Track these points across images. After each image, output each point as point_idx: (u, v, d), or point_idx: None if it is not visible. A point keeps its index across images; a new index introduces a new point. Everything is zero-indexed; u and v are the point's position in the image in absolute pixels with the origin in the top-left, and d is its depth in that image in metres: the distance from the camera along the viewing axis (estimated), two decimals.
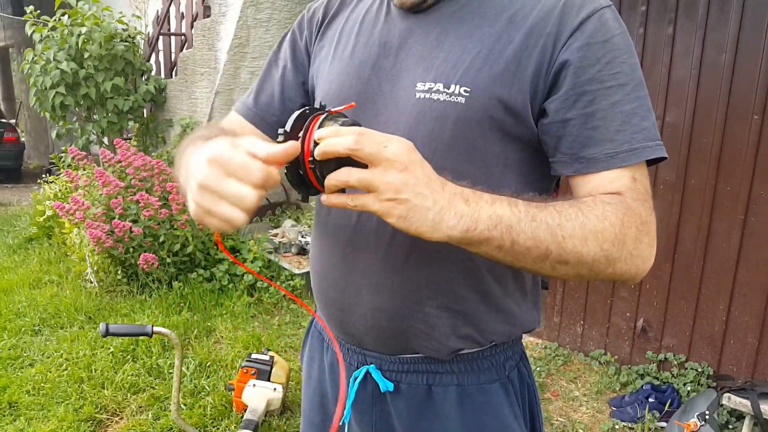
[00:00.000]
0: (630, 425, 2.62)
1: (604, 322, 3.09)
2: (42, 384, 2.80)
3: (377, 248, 0.86)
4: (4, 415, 2.58)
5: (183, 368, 2.89)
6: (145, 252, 3.69)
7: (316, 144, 0.64)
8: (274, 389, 2.44)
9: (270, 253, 4.37)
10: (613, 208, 0.73)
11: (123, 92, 5.01)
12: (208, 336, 3.36)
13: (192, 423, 2.51)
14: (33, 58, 4.98)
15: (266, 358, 2.55)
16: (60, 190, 4.84)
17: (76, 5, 4.94)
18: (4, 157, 9.69)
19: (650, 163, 0.79)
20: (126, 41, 5.08)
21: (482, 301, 0.87)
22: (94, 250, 3.75)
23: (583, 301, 3.16)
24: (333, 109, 0.70)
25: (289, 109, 0.88)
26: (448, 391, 0.91)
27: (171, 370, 2.88)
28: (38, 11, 5.07)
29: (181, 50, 5.41)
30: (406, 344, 0.90)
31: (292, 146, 0.64)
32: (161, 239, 3.79)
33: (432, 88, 0.80)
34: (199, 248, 3.94)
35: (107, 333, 1.91)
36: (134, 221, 3.76)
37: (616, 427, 2.62)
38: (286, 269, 4.14)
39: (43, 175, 5.81)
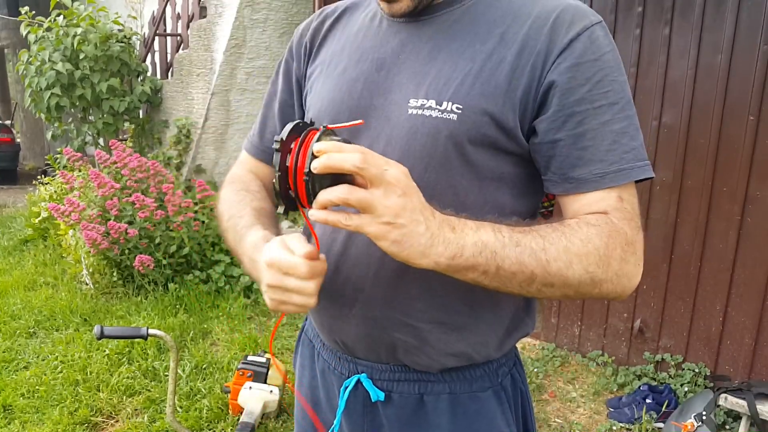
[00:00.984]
0: (627, 426, 2.61)
1: (602, 323, 3.09)
2: (37, 387, 2.78)
3: (370, 261, 0.85)
4: None
5: (179, 371, 2.88)
6: (140, 254, 3.68)
7: (314, 157, 0.64)
8: (271, 391, 2.43)
9: None
10: (597, 230, 0.74)
11: (119, 93, 5.00)
12: (204, 338, 3.35)
13: (188, 426, 2.50)
14: (28, 59, 4.96)
15: (263, 360, 2.54)
16: (55, 192, 4.82)
17: (72, 6, 4.92)
18: None
19: (638, 181, 0.79)
20: (122, 42, 5.06)
21: (475, 315, 0.87)
22: (90, 252, 3.74)
23: (581, 302, 3.16)
24: (330, 126, 0.70)
25: None
26: (440, 399, 0.90)
27: (167, 373, 2.86)
28: (33, 12, 5.05)
29: (177, 51, 5.39)
30: (396, 357, 0.89)
31: (322, 262, 0.74)
32: (157, 241, 3.78)
33: (424, 105, 0.79)
34: (195, 250, 3.93)
35: (102, 336, 1.90)
36: (130, 223, 3.75)
37: (614, 428, 2.61)
38: None
39: (39, 177, 5.78)
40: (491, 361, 0.91)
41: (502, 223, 0.72)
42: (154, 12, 5.88)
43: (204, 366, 3.00)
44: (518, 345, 0.99)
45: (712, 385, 2.66)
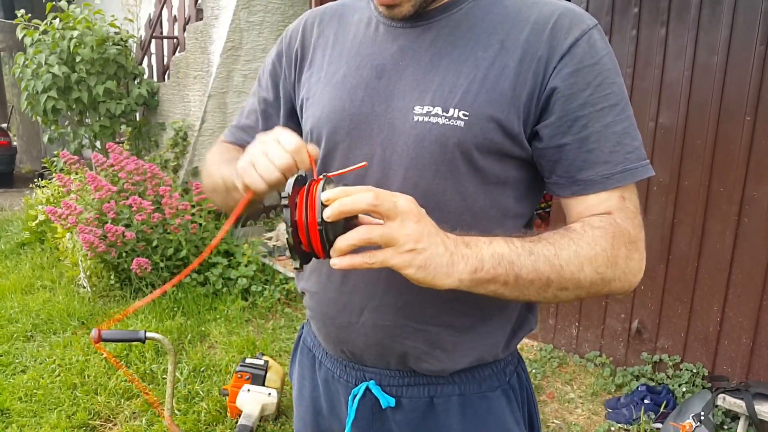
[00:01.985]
0: (626, 427, 2.62)
1: (599, 324, 3.09)
2: (34, 390, 2.78)
3: (379, 269, 0.85)
4: None
5: (177, 373, 2.87)
6: (138, 256, 3.67)
7: (323, 206, 0.65)
8: (269, 394, 2.43)
9: (264, 256, 4.35)
10: (602, 232, 0.76)
11: (115, 96, 4.99)
12: (201, 341, 3.34)
13: (186, 429, 2.49)
14: (24, 62, 4.95)
15: (261, 362, 2.54)
16: (52, 195, 4.81)
17: (68, 9, 4.91)
18: None
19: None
20: (118, 45, 5.05)
21: (485, 316, 0.88)
22: (87, 255, 3.73)
23: (578, 302, 3.16)
24: (330, 174, 0.71)
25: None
26: (450, 401, 0.90)
27: (164, 376, 2.86)
28: (30, 15, 5.04)
29: (174, 53, 5.39)
30: (406, 364, 0.90)
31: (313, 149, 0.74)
32: (154, 243, 3.77)
33: (430, 112, 0.80)
34: (192, 252, 3.92)
35: (100, 339, 1.89)
36: (127, 225, 3.74)
37: (612, 428, 2.62)
38: (280, 273, 4.13)
39: (36, 180, 5.77)
40: (498, 360, 0.93)
41: (511, 235, 0.74)
42: (150, 14, 5.88)
43: (202, 369, 2.99)
44: (517, 350, 1.00)
45: (710, 385, 2.66)
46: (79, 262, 3.97)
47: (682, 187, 2.73)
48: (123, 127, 5.29)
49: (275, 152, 0.73)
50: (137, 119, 5.40)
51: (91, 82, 4.83)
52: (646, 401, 2.67)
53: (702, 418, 2.41)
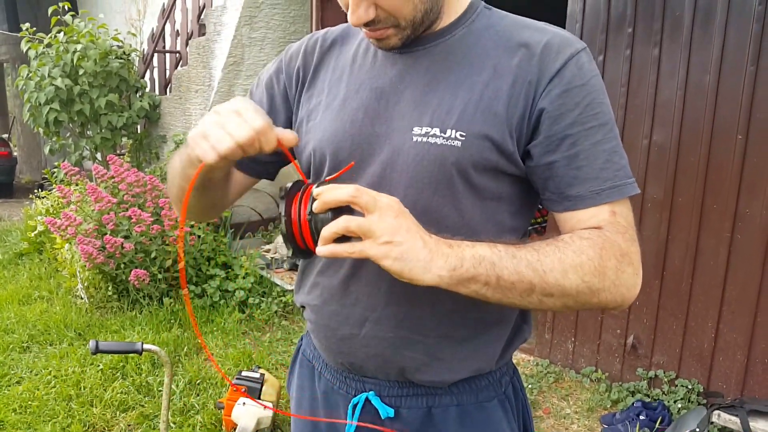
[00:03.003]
0: None
1: (595, 339, 3.10)
2: (29, 402, 2.77)
3: (380, 281, 0.88)
4: None
5: (172, 386, 2.87)
6: (136, 268, 3.68)
7: (313, 201, 0.73)
8: (264, 407, 2.42)
9: (262, 269, 4.36)
10: (590, 242, 0.78)
11: (117, 109, 5.03)
12: (198, 353, 3.34)
13: None
14: (28, 75, 5.00)
15: (257, 375, 2.54)
16: (52, 206, 4.83)
17: (72, 23, 4.97)
18: None
19: None
20: (121, 58, 5.11)
21: (482, 326, 0.90)
22: (85, 266, 3.74)
23: (574, 317, 3.17)
24: (327, 179, 0.80)
25: None
26: (448, 411, 0.92)
27: (160, 388, 2.86)
28: (34, 29, 5.10)
29: (176, 67, 5.44)
30: (405, 375, 0.92)
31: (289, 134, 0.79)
32: (153, 255, 3.78)
33: (429, 133, 0.83)
34: (190, 264, 3.94)
35: (97, 350, 1.91)
36: (126, 237, 3.76)
37: None
38: (278, 285, 4.14)
39: (35, 190, 5.79)
40: (494, 370, 0.95)
41: (496, 241, 0.76)
42: (153, 29, 5.94)
43: (198, 381, 2.99)
44: (512, 361, 1.02)
45: (705, 401, 2.67)
46: (77, 273, 3.98)
47: (676, 204, 2.76)
48: (124, 139, 5.32)
49: (234, 125, 0.74)
50: (138, 132, 5.44)
51: (93, 95, 4.88)
52: (641, 417, 2.67)
53: None
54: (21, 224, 6.09)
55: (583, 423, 2.78)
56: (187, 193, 0.79)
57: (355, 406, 0.94)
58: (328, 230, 0.71)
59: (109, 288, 3.84)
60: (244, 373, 2.56)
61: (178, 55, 5.55)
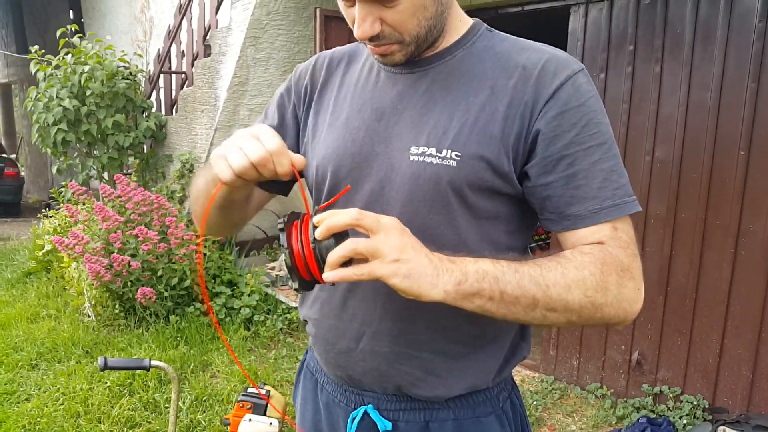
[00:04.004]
0: None
1: (600, 355, 3.10)
2: (38, 419, 2.79)
3: (376, 297, 0.90)
4: None
5: (179, 402, 2.88)
6: (143, 286, 3.71)
7: (315, 229, 0.73)
8: (270, 424, 2.43)
9: (267, 286, 4.38)
10: (591, 258, 0.79)
11: (124, 129, 5.09)
12: (204, 370, 3.35)
13: None
14: (36, 96, 5.08)
15: (262, 392, 2.55)
16: (59, 225, 4.87)
17: (80, 45, 5.05)
18: (4, 192, 9.73)
19: None
20: (127, 79, 5.18)
21: (479, 344, 0.92)
22: (93, 284, 3.77)
23: (579, 334, 3.17)
24: (321, 206, 0.80)
25: None
26: (445, 426, 0.93)
27: (167, 405, 2.87)
28: (43, 51, 5.18)
29: (182, 88, 5.51)
30: (401, 390, 0.93)
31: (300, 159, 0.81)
32: (159, 273, 3.81)
33: (425, 152, 0.85)
34: (196, 282, 3.96)
35: (106, 366, 1.93)
36: (133, 255, 3.79)
37: None
38: (283, 302, 4.15)
39: (43, 210, 5.84)
40: (492, 386, 0.96)
41: (499, 258, 0.77)
42: (159, 50, 6.03)
43: (204, 398, 3.00)
44: (517, 377, 1.03)
45: (710, 417, 2.66)
46: (85, 292, 4.00)
47: (678, 220, 2.78)
48: (131, 158, 5.38)
49: (250, 146, 0.78)
50: (145, 151, 5.49)
51: (100, 115, 4.94)
52: None
53: None
54: (29, 243, 6.13)
55: None
56: (207, 207, 0.83)
57: (354, 418, 0.96)
58: (335, 255, 0.71)
59: (116, 306, 3.87)
60: (250, 390, 2.57)
61: (183, 75, 5.62)
